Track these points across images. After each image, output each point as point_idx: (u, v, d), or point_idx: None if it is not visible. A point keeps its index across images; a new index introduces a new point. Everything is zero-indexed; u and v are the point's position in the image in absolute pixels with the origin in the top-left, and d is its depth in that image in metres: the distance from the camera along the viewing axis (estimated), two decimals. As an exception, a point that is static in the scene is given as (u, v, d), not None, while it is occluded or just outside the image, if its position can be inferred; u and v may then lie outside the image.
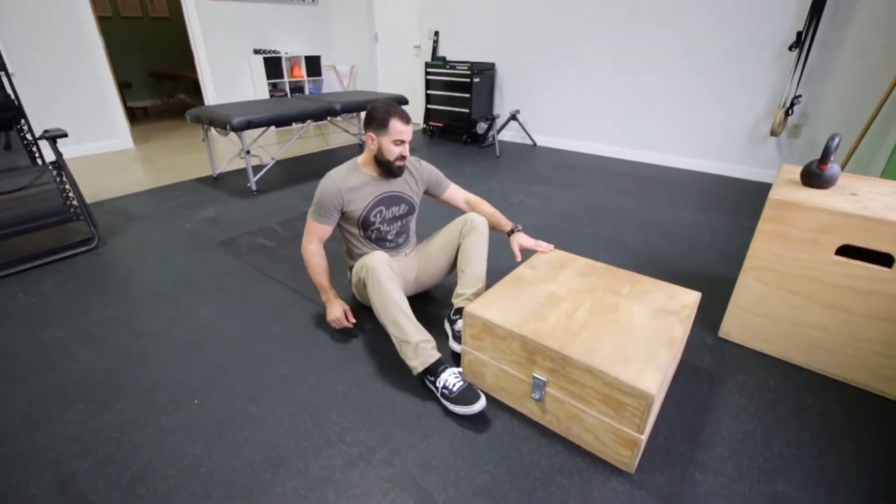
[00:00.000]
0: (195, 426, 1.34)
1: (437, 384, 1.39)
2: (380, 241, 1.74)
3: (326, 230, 1.66)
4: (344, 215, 1.66)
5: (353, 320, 1.73)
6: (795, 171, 1.75)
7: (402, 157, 1.61)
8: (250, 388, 1.48)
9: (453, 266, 1.80)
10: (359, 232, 1.70)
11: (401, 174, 1.68)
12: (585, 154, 4.37)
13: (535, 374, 1.28)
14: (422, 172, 1.82)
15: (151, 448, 1.27)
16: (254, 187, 3.21)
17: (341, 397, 1.44)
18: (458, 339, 1.60)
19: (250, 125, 2.94)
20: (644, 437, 1.14)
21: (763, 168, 3.55)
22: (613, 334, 1.26)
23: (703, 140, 3.75)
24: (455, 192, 1.91)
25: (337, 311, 1.70)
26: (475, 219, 1.73)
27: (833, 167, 1.52)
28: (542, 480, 1.18)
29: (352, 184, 1.63)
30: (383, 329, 1.57)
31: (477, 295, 1.61)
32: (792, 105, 3.20)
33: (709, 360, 1.62)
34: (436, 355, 1.43)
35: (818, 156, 1.58)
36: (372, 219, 1.67)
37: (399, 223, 1.77)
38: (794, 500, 1.14)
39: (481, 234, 1.71)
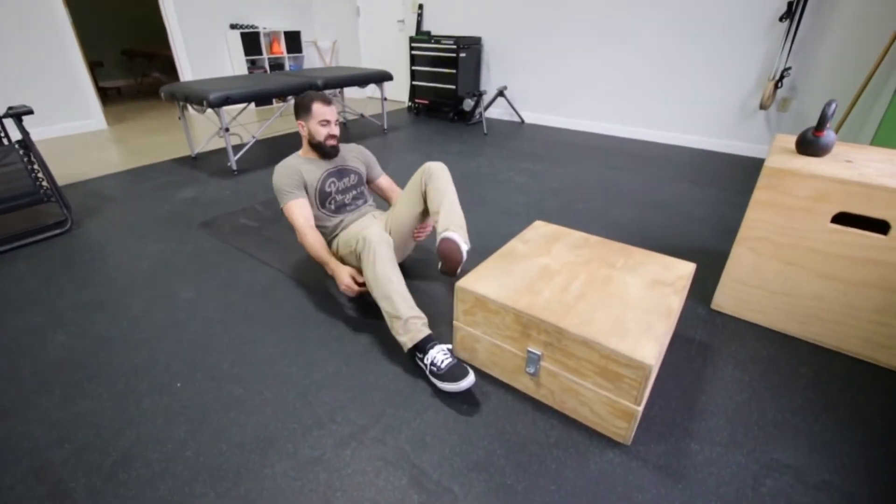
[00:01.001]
0: (178, 409, 1.29)
1: (426, 361, 1.35)
2: (341, 209, 1.83)
3: (305, 203, 1.75)
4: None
5: (362, 280, 1.61)
6: (789, 141, 1.72)
7: (332, 136, 1.79)
8: (236, 370, 1.43)
9: (423, 212, 1.75)
10: (319, 207, 1.80)
11: (335, 153, 1.84)
12: (574, 131, 4.31)
13: (530, 349, 1.25)
14: (362, 152, 2.01)
15: (133, 433, 1.22)
16: (234, 167, 3.10)
17: (331, 376, 1.40)
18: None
19: (228, 101, 2.82)
20: (641, 409, 1.12)
21: (752, 143, 3.54)
22: (609, 306, 1.23)
23: (692, 115, 3.72)
24: (387, 181, 2.06)
25: (345, 277, 1.62)
26: (432, 165, 1.72)
27: (829, 134, 1.50)
28: (538, 454, 1.16)
29: (302, 167, 1.79)
30: (374, 307, 1.54)
31: (460, 227, 1.59)
32: (781, 78, 3.18)
33: (702, 333, 1.62)
34: (425, 332, 1.39)
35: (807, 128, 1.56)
36: (327, 189, 1.80)
37: (354, 191, 1.89)
38: (790, 468, 1.14)
39: (443, 176, 1.70)
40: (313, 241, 1.69)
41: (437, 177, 1.69)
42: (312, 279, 1.89)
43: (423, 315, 1.42)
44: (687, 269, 1.43)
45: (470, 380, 1.29)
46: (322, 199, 1.79)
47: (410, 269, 1.96)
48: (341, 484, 1.08)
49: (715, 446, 1.19)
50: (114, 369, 1.43)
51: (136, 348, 1.52)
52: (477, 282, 1.34)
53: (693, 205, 2.66)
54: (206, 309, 1.71)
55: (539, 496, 1.06)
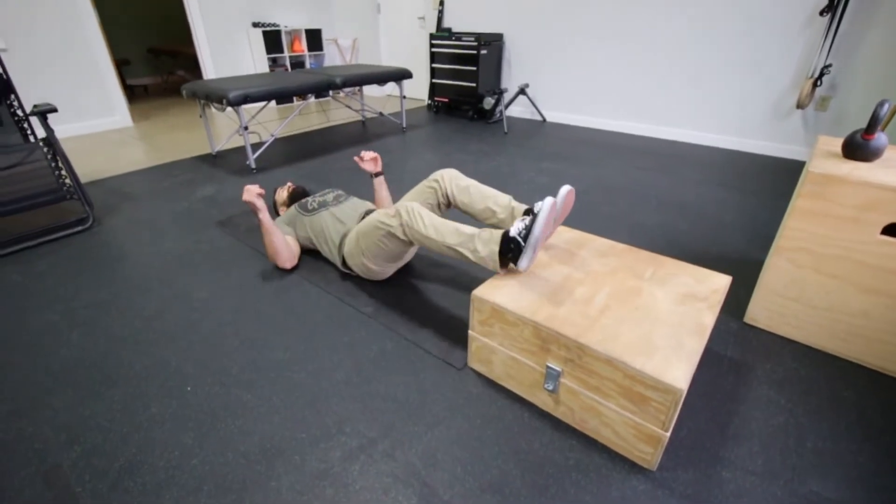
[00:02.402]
0: (187, 415, 1.26)
1: (520, 235, 1.30)
2: (324, 206, 1.94)
3: (290, 238, 1.94)
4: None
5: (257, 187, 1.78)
6: (834, 143, 1.60)
7: (289, 187, 2.25)
8: (245, 374, 1.40)
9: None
10: (306, 218, 1.94)
11: (302, 190, 2.23)
12: (598, 130, 4.19)
13: (549, 364, 1.18)
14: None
15: (141, 438, 1.20)
16: (253, 165, 3.10)
17: (341, 384, 1.36)
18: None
19: (248, 99, 2.81)
20: (668, 434, 1.04)
21: (787, 144, 3.37)
22: (636, 321, 1.16)
23: (722, 114, 3.56)
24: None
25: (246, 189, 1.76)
26: (452, 172, 1.78)
27: (880, 137, 1.38)
28: (556, 477, 1.09)
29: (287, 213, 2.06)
30: (386, 311, 1.52)
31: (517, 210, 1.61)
32: (821, 75, 3.00)
33: (734, 348, 1.52)
34: (497, 231, 1.37)
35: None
36: (307, 202, 1.99)
37: (334, 192, 2.04)
38: (830, 502, 1.05)
39: (462, 178, 1.77)
40: (266, 239, 1.85)
41: (464, 178, 1.75)
42: (325, 282, 1.86)
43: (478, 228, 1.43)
44: (722, 282, 1.33)
45: (548, 201, 1.28)
46: (303, 207, 1.98)
47: (423, 274, 1.91)
48: (348, 501, 1.04)
49: (748, 475, 1.11)
50: (125, 371, 1.42)
51: (148, 350, 1.51)
52: (494, 291, 1.28)
53: (723, 209, 2.53)
54: (218, 310, 1.70)
55: (556, 523, 1.00)
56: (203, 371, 1.42)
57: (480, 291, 1.28)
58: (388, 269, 1.81)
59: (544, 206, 1.27)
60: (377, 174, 2.08)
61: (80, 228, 2.30)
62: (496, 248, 1.33)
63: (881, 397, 1.33)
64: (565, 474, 1.10)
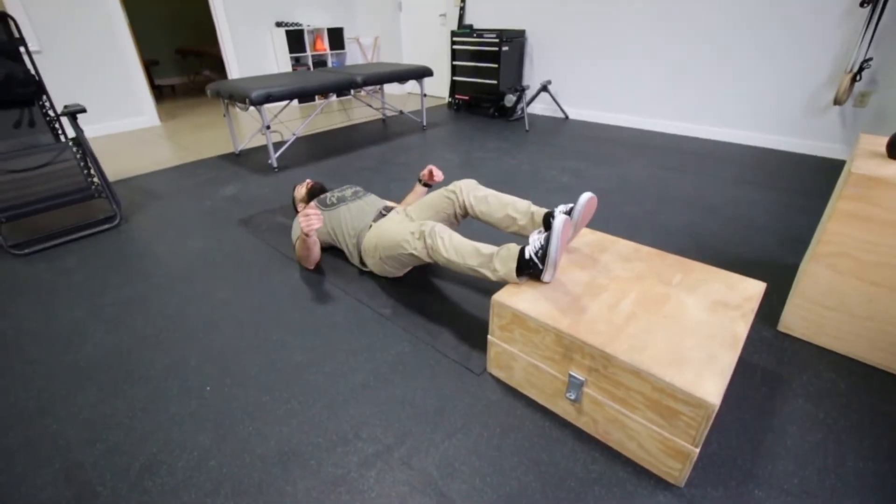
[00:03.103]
0: (206, 415, 1.27)
1: (536, 255, 1.27)
2: (342, 201, 1.94)
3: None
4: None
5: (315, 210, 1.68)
6: (878, 142, 1.51)
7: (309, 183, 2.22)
8: (264, 376, 1.40)
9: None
10: (325, 213, 1.91)
11: (320, 187, 2.19)
12: (622, 127, 4.09)
13: (572, 373, 1.14)
14: None
15: (161, 437, 1.21)
16: (275, 164, 3.13)
17: (358, 388, 1.35)
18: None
19: (270, 99, 2.83)
20: (698, 450, 0.99)
21: (823, 141, 3.22)
22: (664, 330, 1.11)
23: (753, 110, 3.43)
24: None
25: (301, 214, 1.65)
26: (470, 183, 1.76)
27: (932, 137, 1.29)
28: (578, 491, 1.05)
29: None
30: (405, 313, 1.51)
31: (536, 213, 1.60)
32: (861, 70, 2.85)
33: (767, 358, 1.45)
34: (515, 247, 1.34)
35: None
36: (325, 198, 1.99)
37: (352, 188, 2.03)
38: (876, 527, 0.98)
39: (479, 187, 1.75)
40: (299, 246, 1.84)
41: (482, 188, 1.73)
42: (343, 281, 1.85)
43: (498, 246, 1.40)
44: (756, 289, 1.27)
45: (559, 219, 1.23)
46: (322, 202, 1.96)
47: (441, 273, 1.88)
48: (364, 509, 1.02)
49: (784, 495, 1.05)
50: (147, 369, 1.44)
51: (170, 348, 1.52)
52: (516, 296, 1.24)
53: (754, 210, 2.43)
54: (239, 310, 1.70)
55: (578, 540, 0.96)
56: (222, 371, 1.42)
57: (501, 296, 1.25)
58: (405, 270, 1.80)
59: (556, 225, 1.22)
60: (427, 185, 2.06)
61: (107, 226, 2.36)
62: (514, 266, 1.31)
63: (929, 415, 1.24)
64: (588, 489, 1.06)
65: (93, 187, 2.37)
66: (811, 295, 1.44)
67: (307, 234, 1.67)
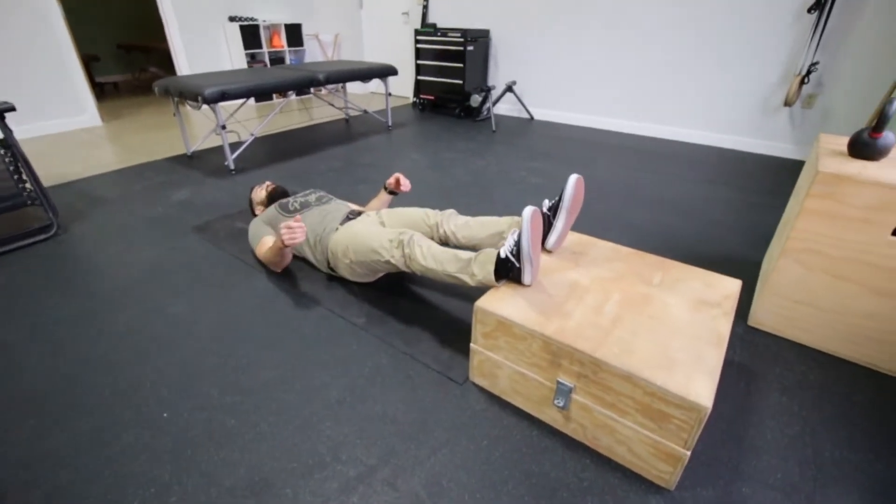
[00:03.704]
0: (164, 445, 1.15)
1: (511, 253, 1.24)
2: (306, 206, 1.87)
3: (269, 238, 1.81)
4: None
5: (298, 218, 1.56)
6: (837, 142, 1.57)
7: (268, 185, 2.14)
8: (228, 398, 1.29)
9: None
10: (287, 219, 1.82)
11: (282, 190, 2.13)
12: (587, 128, 4.15)
13: (560, 380, 1.10)
14: None
15: (112, 474, 1.08)
16: (231, 166, 2.96)
17: (334, 405, 1.26)
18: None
19: (225, 96, 2.67)
20: (689, 453, 0.98)
21: (774, 141, 3.38)
22: (651, 332, 1.09)
23: (711, 112, 3.56)
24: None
25: (282, 227, 1.55)
26: (441, 219, 1.72)
27: (888, 136, 1.35)
28: (571, 502, 1.02)
29: (265, 214, 1.95)
30: (379, 322, 1.44)
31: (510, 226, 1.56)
32: (808, 73, 3.01)
33: (741, 353, 1.47)
34: (493, 251, 1.31)
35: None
36: (287, 203, 1.91)
37: (316, 193, 1.97)
38: (857, 517, 1.00)
39: (458, 216, 1.72)
40: (264, 253, 1.77)
41: (460, 216, 1.71)
42: (312, 290, 1.75)
43: (473, 252, 1.39)
44: (733, 286, 1.28)
45: (527, 211, 1.19)
46: (284, 208, 1.89)
47: (416, 278, 1.82)
48: (347, 539, 0.95)
49: (769, 490, 1.05)
50: (95, 397, 1.29)
51: (120, 371, 1.38)
52: (499, 301, 1.20)
53: (717, 208, 2.50)
54: (197, 326, 1.57)
55: (575, 555, 0.92)
56: (181, 395, 1.30)
57: (484, 303, 1.20)
58: (376, 276, 1.73)
59: (524, 216, 1.20)
60: (393, 193, 2.00)
61: (43, 237, 2.14)
62: (492, 269, 1.27)
63: (893, 402, 1.29)
64: (580, 499, 1.02)
65: (25, 193, 2.14)
66: (781, 290, 1.48)
67: (285, 245, 1.56)
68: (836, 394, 1.32)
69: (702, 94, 3.54)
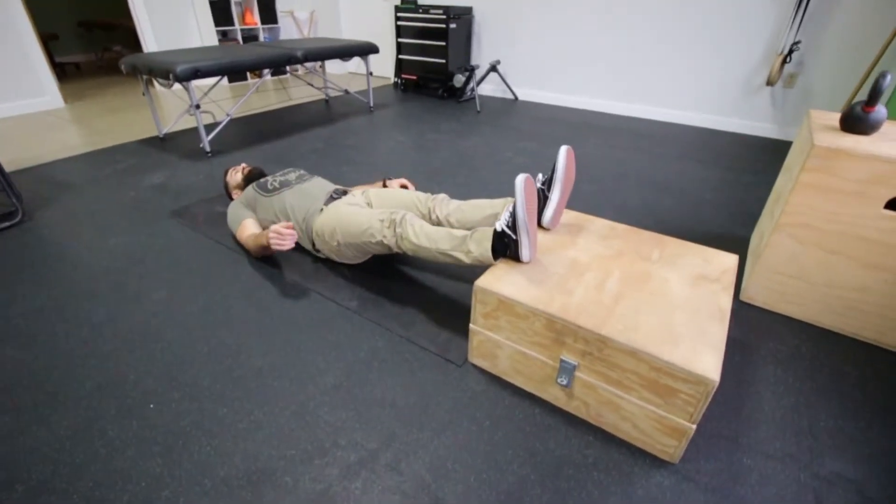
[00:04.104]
0: (152, 437, 1.09)
1: (508, 226, 1.21)
2: (286, 185, 1.79)
3: (251, 221, 1.78)
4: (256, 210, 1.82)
5: (289, 224, 1.53)
6: (827, 117, 1.58)
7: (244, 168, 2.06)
8: (218, 386, 1.23)
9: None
10: (267, 199, 1.76)
11: (258, 171, 2.01)
12: (572, 109, 4.12)
13: (563, 358, 1.09)
14: None
15: (98, 469, 1.02)
16: (207, 148, 2.83)
17: (330, 390, 1.22)
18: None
19: (198, 74, 2.53)
20: (695, 427, 0.98)
21: (756, 121, 3.41)
22: (652, 308, 1.08)
23: (695, 91, 3.57)
24: None
25: (272, 229, 1.52)
26: (433, 203, 1.66)
27: (880, 110, 1.35)
28: (577, 478, 1.01)
29: (245, 196, 1.88)
30: (372, 305, 1.40)
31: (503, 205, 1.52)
32: (790, 52, 3.03)
33: (735, 327, 1.49)
34: (489, 228, 1.28)
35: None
36: (266, 182, 1.83)
37: (290, 172, 1.89)
38: (853, 482, 1.03)
39: (450, 200, 1.66)
40: (250, 241, 1.70)
41: (452, 200, 1.66)
42: (301, 274, 1.69)
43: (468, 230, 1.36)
44: (730, 261, 1.28)
45: (520, 178, 1.17)
46: (263, 188, 1.81)
47: (407, 259, 1.78)
48: (352, 526, 0.92)
49: (769, 460, 1.07)
50: (75, 390, 1.22)
51: (101, 363, 1.31)
52: (500, 281, 1.17)
53: (703, 187, 2.52)
54: (180, 313, 1.50)
55: (584, 532, 0.92)
56: (168, 385, 1.24)
57: (484, 282, 1.17)
58: (364, 258, 1.68)
59: (517, 184, 1.17)
60: (385, 183, 1.98)
61: (7, 224, 2.00)
62: (489, 245, 1.25)
63: (881, 372, 1.33)
64: (586, 474, 1.02)
65: (-16, 178, 2.00)
66: (774, 264, 1.49)
67: (270, 248, 1.55)
68: (828, 366, 1.35)
69: (685, 74, 3.55)
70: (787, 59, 3.06)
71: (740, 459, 1.07)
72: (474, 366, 1.31)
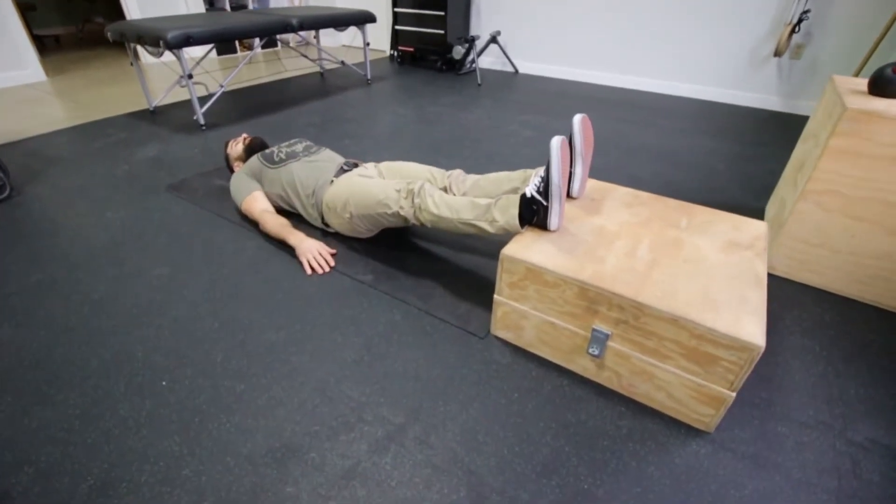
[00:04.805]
0: (167, 415, 1.04)
1: (538, 192, 1.16)
2: (293, 157, 1.72)
3: (260, 193, 1.72)
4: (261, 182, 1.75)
5: (333, 251, 1.58)
6: (852, 82, 1.53)
7: (245, 138, 1.97)
8: (233, 362, 1.18)
9: None
10: (273, 170, 1.70)
11: (259, 142, 1.94)
12: (574, 82, 4.02)
13: (596, 327, 1.05)
14: None
15: (112, 449, 0.97)
16: (201, 121, 2.71)
17: (351, 365, 1.18)
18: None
19: (190, 41, 2.40)
20: (734, 395, 0.95)
21: (762, 93, 3.36)
22: (688, 275, 1.04)
23: (701, 64, 3.49)
24: None
25: (313, 248, 1.53)
26: (450, 180, 1.59)
27: (913, 70, 1.31)
28: (613, 450, 0.99)
29: (249, 166, 1.80)
30: (387, 278, 1.42)
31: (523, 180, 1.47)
32: (800, 21, 2.97)
33: (757, 297, 1.46)
34: (514, 195, 1.23)
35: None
36: (272, 153, 1.76)
37: (303, 143, 1.81)
38: (889, 448, 1.01)
39: (466, 175, 1.60)
40: (273, 217, 1.65)
41: (469, 175, 1.60)
42: (311, 249, 1.63)
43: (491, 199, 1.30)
44: (760, 228, 1.24)
45: (555, 140, 1.12)
46: (269, 159, 1.74)
47: (420, 231, 1.72)
48: (385, 501, 0.88)
49: (804, 428, 1.05)
50: (80, 368, 1.16)
51: (105, 340, 1.24)
52: (528, 249, 1.12)
53: (712, 159, 2.48)
54: (186, 288, 1.44)
55: (623, 502, 0.89)
56: (179, 361, 1.18)
57: (511, 250, 1.12)
58: (377, 231, 1.62)
59: (552, 145, 1.12)
60: None
61: (-6, 199, 1.90)
62: (515, 213, 1.19)
63: (905, 338, 1.32)
64: (622, 446, 0.99)
65: (-33, 151, 1.89)
66: (797, 233, 1.46)
67: (298, 256, 1.55)
68: (852, 333, 1.33)
69: (691, 45, 3.47)
70: (796, 29, 3.00)
71: (774, 427, 1.05)
72: (497, 338, 1.27)
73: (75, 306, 1.36)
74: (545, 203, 1.14)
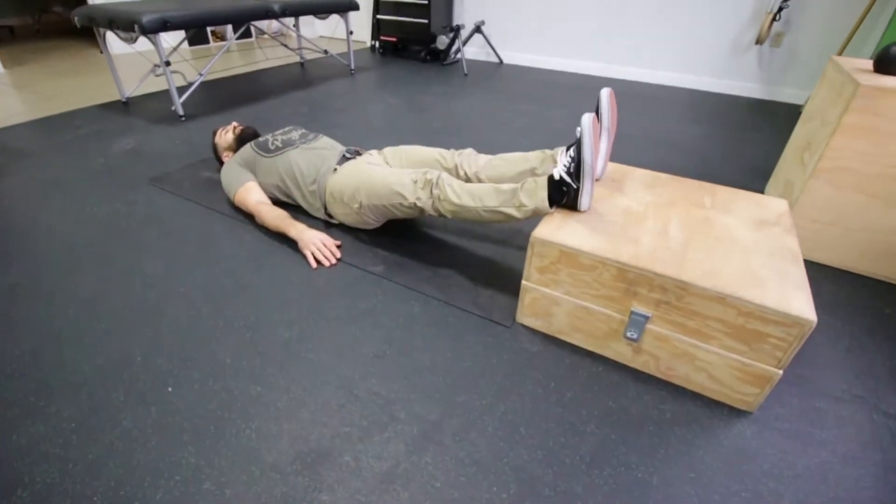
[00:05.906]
0: (178, 424, 0.95)
1: (568, 173, 1.11)
2: (289, 144, 1.63)
3: (254, 184, 1.63)
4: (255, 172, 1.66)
5: (337, 243, 1.50)
6: (853, 62, 1.54)
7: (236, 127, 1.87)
8: (245, 363, 1.09)
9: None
10: (269, 159, 1.61)
11: (251, 132, 1.85)
12: (559, 72, 4.01)
13: (635, 310, 1.01)
14: None
15: (119, 463, 0.87)
16: (180, 111, 2.55)
17: (374, 360, 1.11)
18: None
19: (167, 26, 2.25)
20: (781, 372, 0.93)
21: (744, 81, 3.42)
22: (725, 253, 1.01)
23: (685, 52, 3.52)
24: None
25: (316, 240, 1.45)
26: (460, 159, 1.53)
27: (921, 47, 1.32)
28: (660, 435, 0.95)
29: (241, 155, 1.70)
30: (399, 269, 1.37)
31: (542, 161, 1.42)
32: (780, 10, 3.02)
33: (772, 277, 1.46)
34: (540, 178, 1.18)
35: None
36: (266, 141, 1.67)
37: (292, 131, 1.72)
38: (923, 420, 1.01)
39: (478, 155, 1.54)
40: (269, 209, 1.56)
41: (480, 155, 1.54)
42: (315, 241, 1.53)
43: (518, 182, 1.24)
44: (782, 206, 1.23)
45: (586, 117, 1.06)
46: (263, 147, 1.65)
47: (433, 224, 1.65)
48: (431, 503, 0.82)
49: (840, 403, 1.04)
50: (69, 375, 1.05)
51: (97, 344, 1.13)
52: (560, 231, 1.07)
53: (706, 145, 2.50)
54: (183, 285, 1.33)
55: (679, 488, 0.86)
56: (183, 364, 1.08)
57: (543, 233, 1.07)
58: (384, 221, 1.54)
59: (583, 123, 1.07)
60: None
61: (-47, 197, 1.73)
62: (545, 195, 1.14)
63: (919, 312, 1.34)
64: (668, 430, 0.96)
65: (-80, 144, 1.70)
66: (808, 212, 1.47)
67: (302, 249, 1.46)
68: (869, 308, 1.34)
69: (675, 34, 3.49)
70: (777, 17, 3.05)
71: (812, 404, 1.04)
72: (524, 326, 1.22)
73: (60, 308, 1.23)
74: (575, 185, 1.09)
